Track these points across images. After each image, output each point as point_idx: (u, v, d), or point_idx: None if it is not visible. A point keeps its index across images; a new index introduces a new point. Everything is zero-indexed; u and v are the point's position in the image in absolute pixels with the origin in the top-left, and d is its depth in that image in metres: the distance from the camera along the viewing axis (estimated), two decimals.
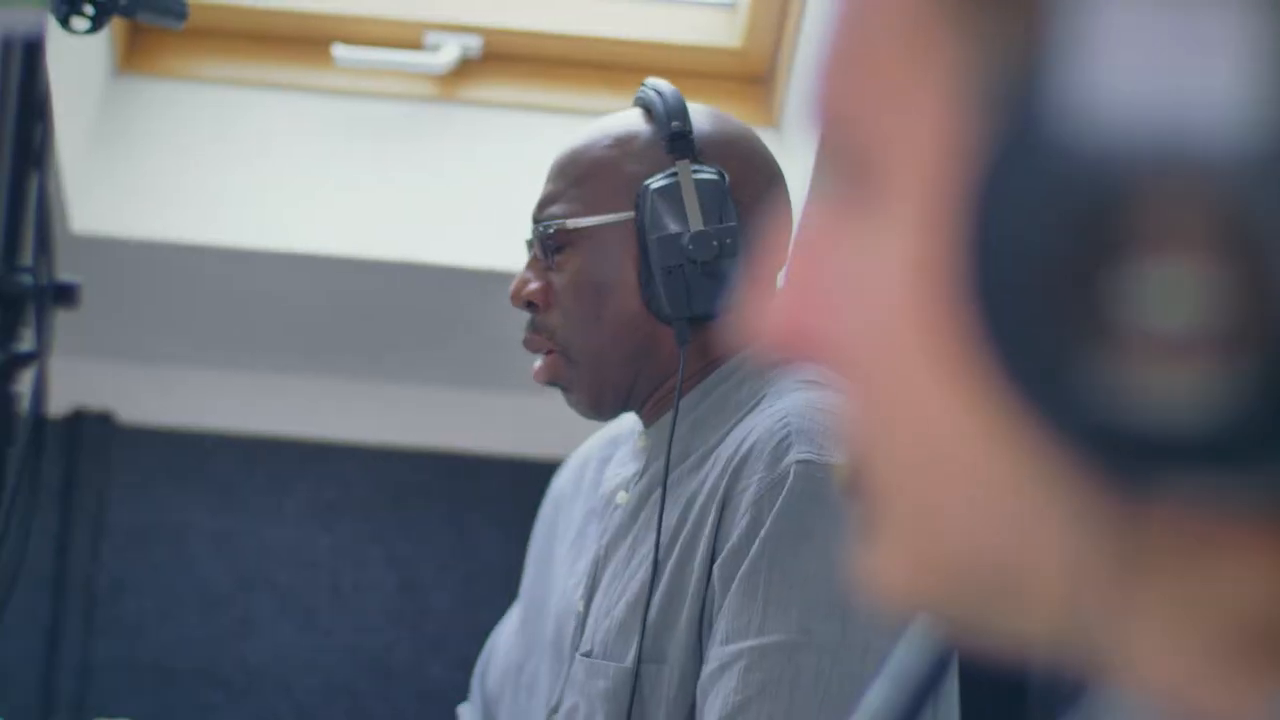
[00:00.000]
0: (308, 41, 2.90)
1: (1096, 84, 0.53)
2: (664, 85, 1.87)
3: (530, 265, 1.87)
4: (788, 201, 1.89)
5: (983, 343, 0.56)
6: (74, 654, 2.87)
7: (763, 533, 1.68)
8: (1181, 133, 0.52)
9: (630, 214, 1.81)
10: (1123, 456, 0.54)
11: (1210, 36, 0.52)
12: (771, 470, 1.70)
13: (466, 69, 2.91)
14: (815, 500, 1.68)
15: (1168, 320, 0.52)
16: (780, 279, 0.67)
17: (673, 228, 1.78)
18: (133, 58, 2.88)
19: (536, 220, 1.87)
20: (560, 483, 2.06)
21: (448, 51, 2.89)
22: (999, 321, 0.55)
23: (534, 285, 1.86)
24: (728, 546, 1.70)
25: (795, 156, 2.75)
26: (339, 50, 2.85)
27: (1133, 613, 0.59)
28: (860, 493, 0.64)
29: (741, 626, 1.67)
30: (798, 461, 1.69)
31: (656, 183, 1.80)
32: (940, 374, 0.59)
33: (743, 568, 1.68)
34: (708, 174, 1.80)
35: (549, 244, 1.85)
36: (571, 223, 1.83)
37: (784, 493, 1.68)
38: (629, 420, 1.94)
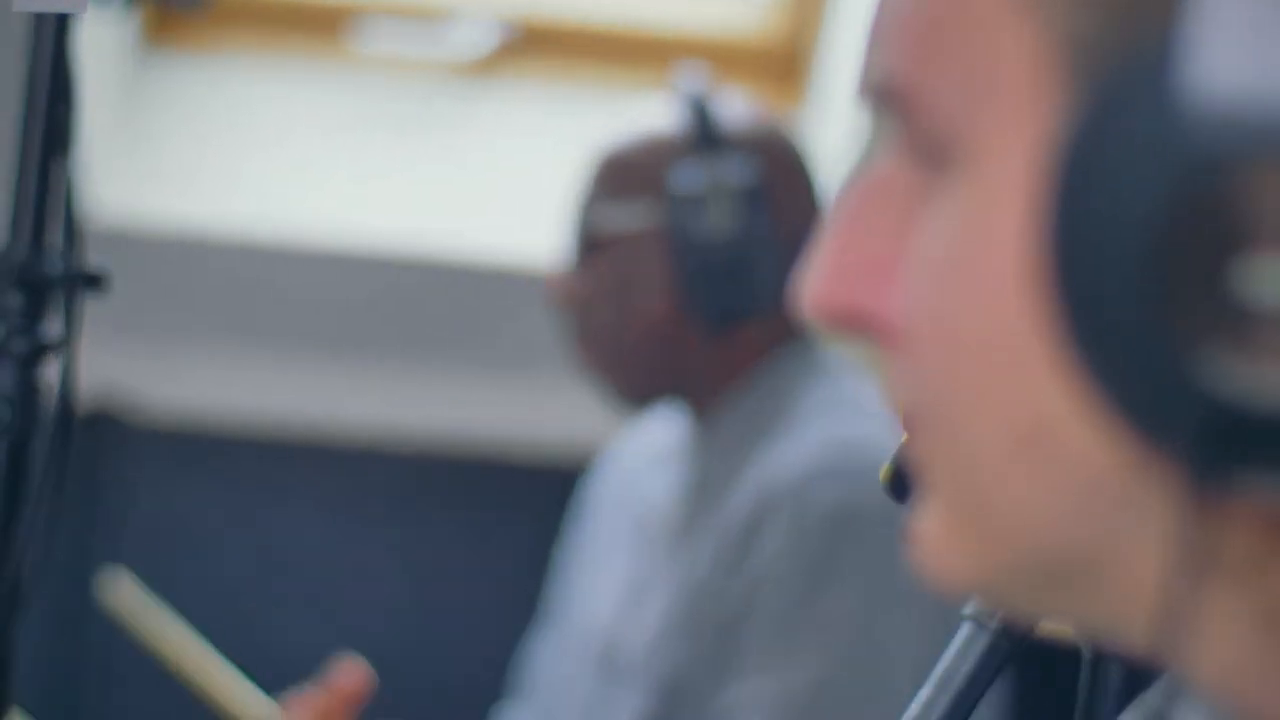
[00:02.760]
0: (339, 23, 2.88)
1: (1217, 56, 0.51)
2: (696, 78, 1.85)
3: (565, 266, 1.87)
4: (819, 196, 1.87)
5: (1068, 322, 0.54)
6: (92, 650, 2.85)
7: (785, 572, 1.69)
8: None
9: (661, 215, 1.80)
10: (1203, 444, 0.52)
11: None
12: (794, 510, 1.70)
13: (501, 53, 2.89)
14: (839, 539, 1.69)
15: (1263, 305, 0.50)
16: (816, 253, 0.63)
17: (703, 228, 1.77)
18: (161, 34, 2.85)
19: (571, 223, 1.86)
20: (600, 487, 2.05)
21: (482, 35, 2.87)
22: (1082, 299, 0.53)
23: (567, 287, 1.85)
24: (751, 588, 1.70)
25: (828, 139, 2.73)
26: (370, 32, 2.83)
27: (1202, 615, 0.57)
28: (919, 472, 0.61)
29: (762, 667, 1.68)
30: (820, 501, 1.70)
31: (687, 183, 1.79)
32: (1042, 357, 0.56)
33: (765, 608, 1.69)
34: (739, 172, 1.78)
35: (581, 247, 1.84)
36: (602, 226, 1.82)
37: (806, 533, 1.69)
38: (666, 423, 1.92)
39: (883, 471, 1.07)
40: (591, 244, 1.83)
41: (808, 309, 0.62)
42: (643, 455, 1.97)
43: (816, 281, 0.62)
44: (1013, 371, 0.57)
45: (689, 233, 1.77)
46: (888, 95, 0.60)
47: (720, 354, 1.81)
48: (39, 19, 1.18)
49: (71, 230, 1.21)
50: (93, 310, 1.28)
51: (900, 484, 1.06)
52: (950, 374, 0.59)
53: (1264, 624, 0.57)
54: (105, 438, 2.85)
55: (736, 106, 1.86)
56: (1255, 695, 0.58)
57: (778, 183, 1.81)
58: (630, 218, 1.82)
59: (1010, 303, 0.56)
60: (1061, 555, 0.58)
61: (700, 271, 1.77)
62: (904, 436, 1.00)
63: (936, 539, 0.61)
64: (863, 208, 0.62)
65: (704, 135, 1.79)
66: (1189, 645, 0.57)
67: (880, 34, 0.61)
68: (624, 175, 1.83)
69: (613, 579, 1.90)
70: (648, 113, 1.89)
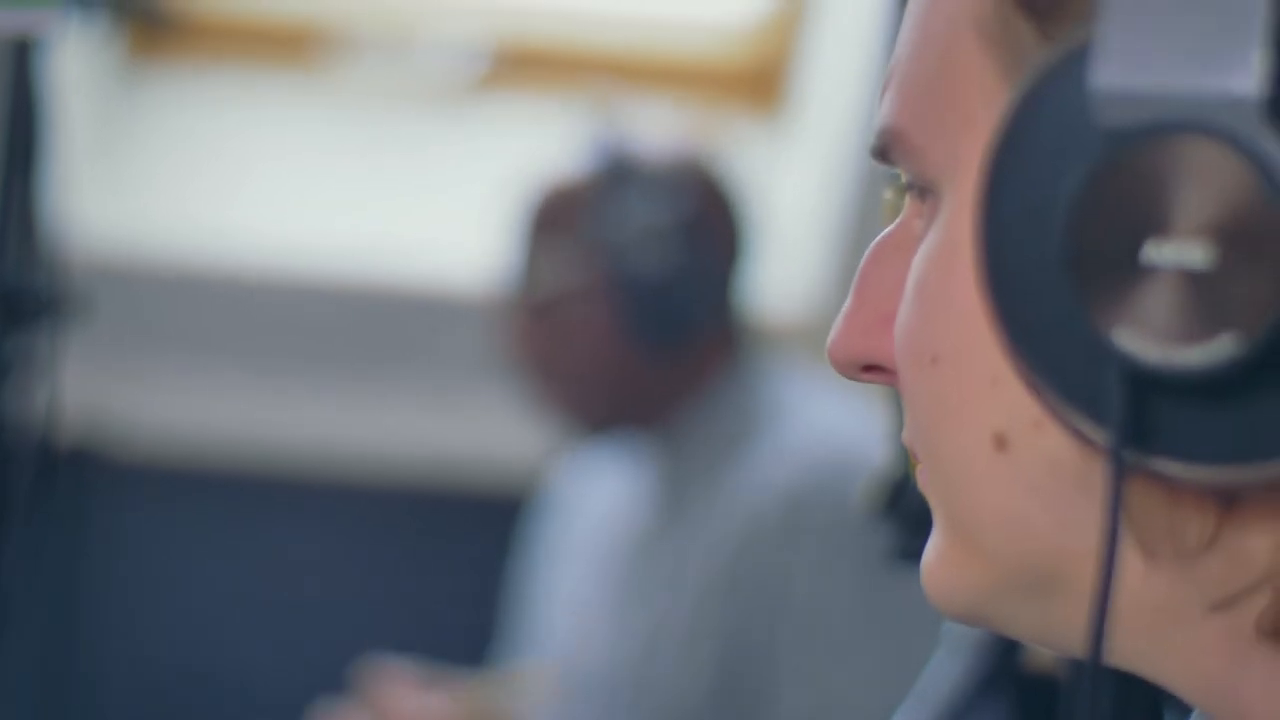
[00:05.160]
0: (321, 47, 2.89)
1: (1115, 58, 0.54)
2: (612, 117, 1.90)
3: (514, 319, 1.91)
4: (745, 218, 1.92)
5: (999, 315, 0.57)
6: (78, 682, 2.84)
7: (787, 602, 1.71)
8: (1191, 102, 0.53)
9: (598, 265, 1.85)
10: (1122, 418, 0.54)
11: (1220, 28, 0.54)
12: (783, 537, 1.74)
13: (482, 77, 2.89)
14: (834, 563, 1.72)
15: (1168, 276, 0.53)
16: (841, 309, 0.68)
17: (639, 271, 1.83)
18: (143, 56, 2.85)
19: (511, 277, 1.90)
20: (558, 518, 2.05)
21: (463, 59, 2.88)
22: (1006, 289, 0.57)
23: (519, 344, 1.90)
24: (750, 618, 1.73)
25: (806, 162, 2.73)
26: (353, 56, 2.83)
27: (1164, 612, 0.59)
28: (924, 494, 0.64)
29: (784, 701, 1.69)
30: (808, 529, 1.74)
31: (616, 225, 1.83)
32: (1005, 364, 0.58)
33: (774, 643, 1.71)
34: (664, 208, 1.83)
35: (527, 305, 1.89)
36: (542, 282, 1.87)
37: (802, 562, 1.73)
38: (618, 448, 1.94)
39: (863, 489, 1.08)
40: (536, 303, 1.88)
41: (830, 361, 0.66)
42: (599, 483, 1.98)
43: (836, 336, 0.66)
44: (981, 383, 0.59)
45: (627, 279, 1.83)
46: (888, 143, 0.64)
47: (673, 374, 1.86)
48: (18, 43, 1.18)
49: (44, 256, 1.21)
50: (76, 340, 1.27)
51: (886, 500, 1.06)
52: (931, 394, 0.61)
53: (1222, 612, 0.58)
54: (84, 471, 2.84)
55: (656, 131, 1.89)
56: (1228, 693, 0.59)
57: (704, 209, 1.86)
58: (569, 272, 1.86)
59: (975, 316, 0.59)
60: (1045, 562, 0.60)
61: (643, 311, 1.83)
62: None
63: (938, 562, 0.63)
64: (878, 262, 0.65)
65: (626, 174, 1.84)
66: (1154, 644, 0.59)
67: (882, 92, 0.65)
68: (556, 227, 1.87)
69: (586, 610, 1.91)
70: (572, 149, 1.92)
